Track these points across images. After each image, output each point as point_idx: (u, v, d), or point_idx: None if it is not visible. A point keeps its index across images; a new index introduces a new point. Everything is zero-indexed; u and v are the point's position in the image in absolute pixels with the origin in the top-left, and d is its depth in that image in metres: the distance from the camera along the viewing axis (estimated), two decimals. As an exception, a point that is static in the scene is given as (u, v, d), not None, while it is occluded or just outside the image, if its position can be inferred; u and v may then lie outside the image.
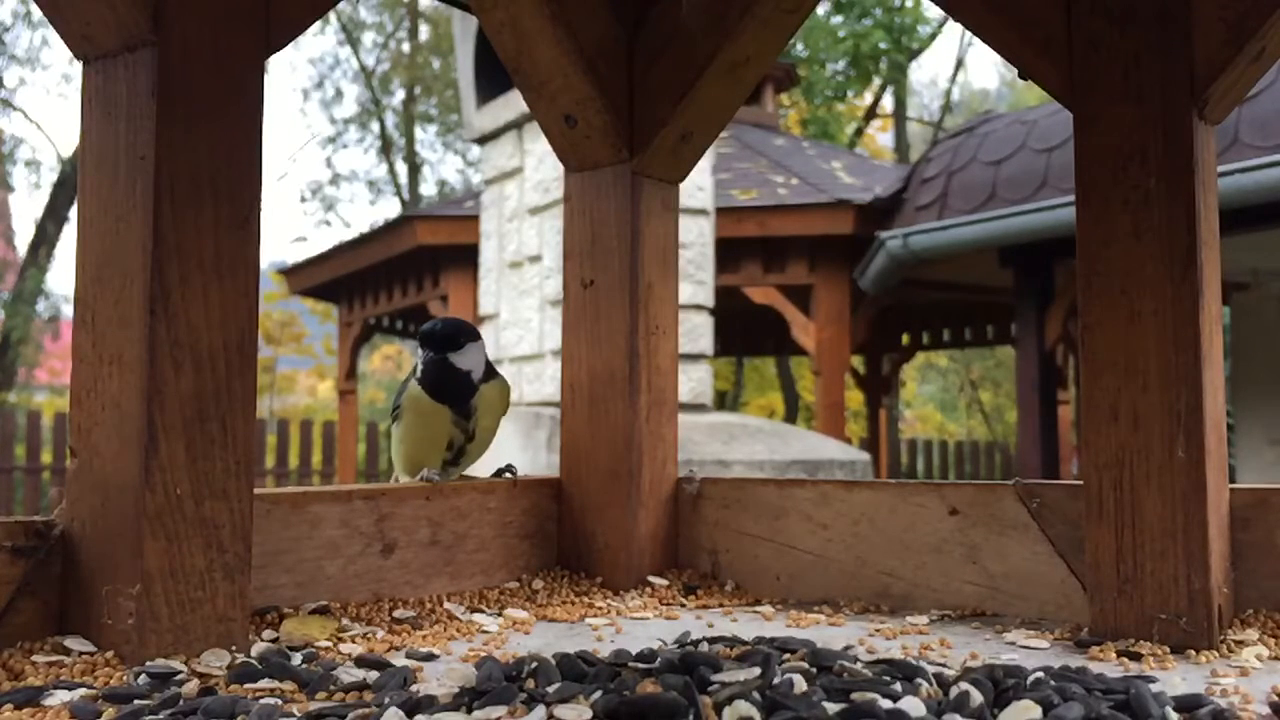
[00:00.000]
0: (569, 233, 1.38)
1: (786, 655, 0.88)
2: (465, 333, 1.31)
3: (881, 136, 17.73)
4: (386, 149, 17.63)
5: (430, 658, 0.95)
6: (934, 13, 14.31)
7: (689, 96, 1.28)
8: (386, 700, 0.74)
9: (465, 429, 1.31)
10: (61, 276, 22.30)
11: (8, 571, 0.89)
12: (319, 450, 9.67)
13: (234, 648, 0.91)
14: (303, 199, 25.86)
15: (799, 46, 13.34)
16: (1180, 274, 1.00)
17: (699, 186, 5.19)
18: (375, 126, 17.61)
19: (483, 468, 1.37)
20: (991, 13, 1.11)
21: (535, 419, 4.64)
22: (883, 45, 13.83)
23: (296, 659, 0.90)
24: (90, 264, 0.92)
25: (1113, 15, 1.05)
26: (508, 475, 1.33)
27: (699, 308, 5.25)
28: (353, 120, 18.10)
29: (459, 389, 1.30)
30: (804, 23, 1.31)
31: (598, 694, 0.75)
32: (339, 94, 19.45)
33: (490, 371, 1.34)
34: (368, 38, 17.51)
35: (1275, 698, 0.80)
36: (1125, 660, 0.94)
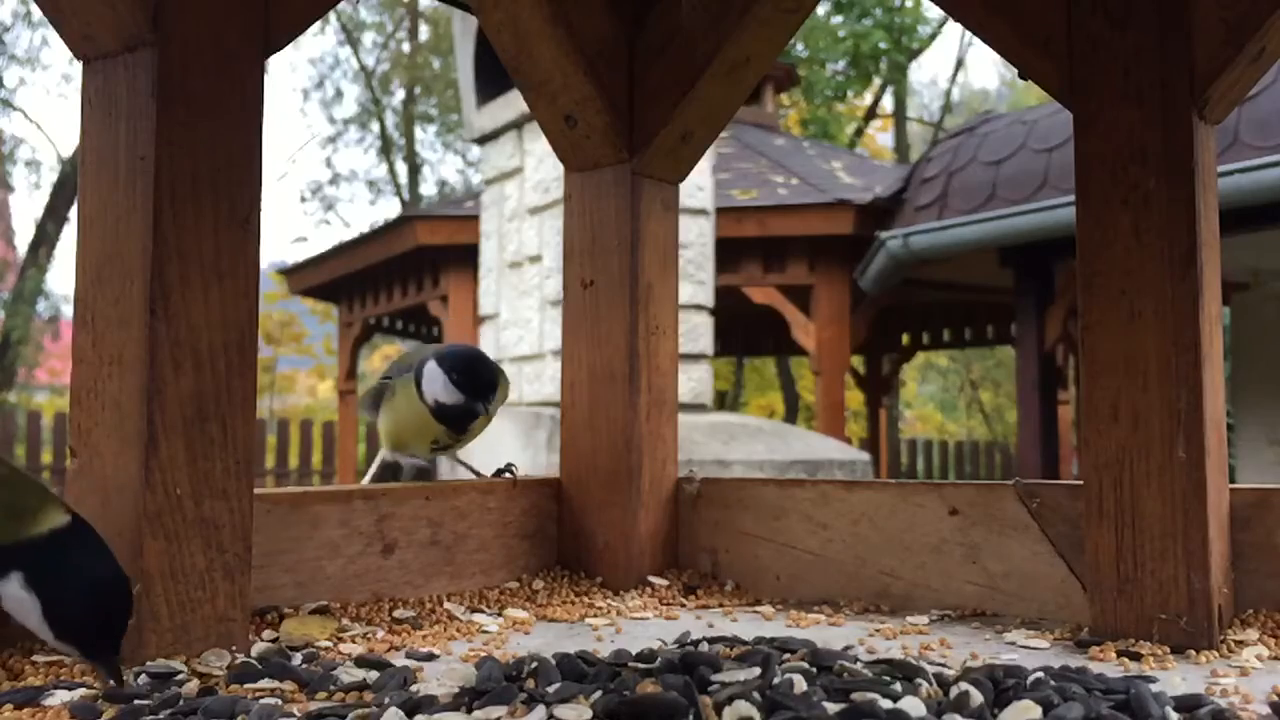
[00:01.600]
0: (569, 233, 1.38)
1: (786, 655, 0.88)
2: (500, 379, 1.26)
3: (881, 136, 17.73)
4: (386, 149, 17.63)
5: (430, 658, 0.95)
6: (934, 13, 14.31)
7: (689, 96, 1.28)
8: (386, 700, 0.74)
9: (455, 438, 1.29)
10: (61, 276, 22.29)
11: (8, 571, 0.89)
12: (319, 450, 9.67)
13: (234, 648, 0.91)
14: (303, 199, 25.87)
15: (799, 46, 13.34)
16: (1180, 274, 1.00)
17: (699, 186, 5.19)
18: (375, 126, 17.62)
19: (483, 467, 1.37)
20: (991, 13, 1.11)
21: (535, 419, 4.64)
22: (883, 45, 13.82)
23: (296, 659, 0.90)
24: (90, 264, 0.92)
25: (1113, 15, 1.05)
26: (508, 475, 1.33)
27: (699, 308, 5.25)
28: (353, 120, 18.11)
29: (466, 419, 1.26)
30: (804, 23, 1.30)
31: (598, 694, 0.75)
32: (339, 94, 19.47)
33: None
34: (368, 38, 17.52)
35: (1275, 698, 0.80)
36: (1125, 660, 0.94)
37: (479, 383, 1.22)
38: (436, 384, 1.23)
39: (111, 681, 0.78)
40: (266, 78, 0.97)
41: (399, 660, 0.91)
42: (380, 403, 1.32)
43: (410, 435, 1.30)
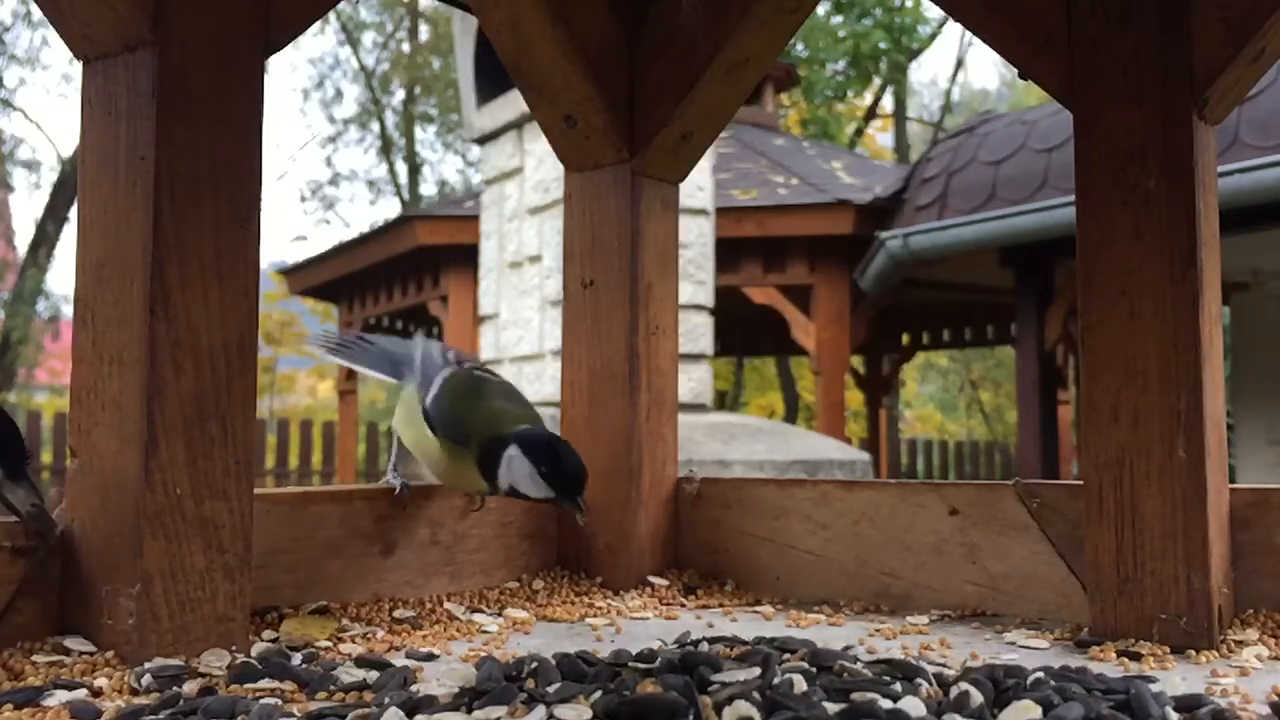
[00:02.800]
0: (569, 233, 1.38)
1: (786, 655, 0.88)
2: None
3: (881, 136, 17.73)
4: (386, 149, 17.63)
5: (430, 658, 0.95)
6: (934, 13, 14.31)
7: (689, 97, 1.28)
8: (386, 700, 0.74)
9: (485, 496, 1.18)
10: (61, 276, 22.29)
11: (8, 571, 0.89)
12: (319, 450, 9.66)
13: (234, 648, 0.91)
14: (303, 199, 25.89)
15: (799, 46, 13.35)
16: (1180, 274, 1.00)
17: (699, 186, 5.19)
18: (375, 126, 17.62)
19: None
20: (991, 13, 1.11)
21: (535, 419, 4.63)
22: (883, 45, 13.83)
23: (296, 659, 0.90)
24: (90, 264, 0.92)
25: (1112, 15, 1.05)
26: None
27: (699, 308, 5.25)
28: (353, 120, 18.11)
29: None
30: (804, 23, 1.30)
31: (598, 694, 0.75)
32: (339, 94, 19.46)
33: None
34: (368, 38, 17.52)
35: (1275, 698, 0.80)
36: (1125, 660, 0.94)
37: (569, 480, 1.08)
38: (520, 473, 1.08)
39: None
40: (266, 78, 0.97)
41: (399, 660, 0.91)
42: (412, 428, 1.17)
43: (450, 482, 1.18)
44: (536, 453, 1.07)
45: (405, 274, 8.13)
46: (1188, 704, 0.75)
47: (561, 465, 1.07)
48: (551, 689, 0.77)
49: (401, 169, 17.82)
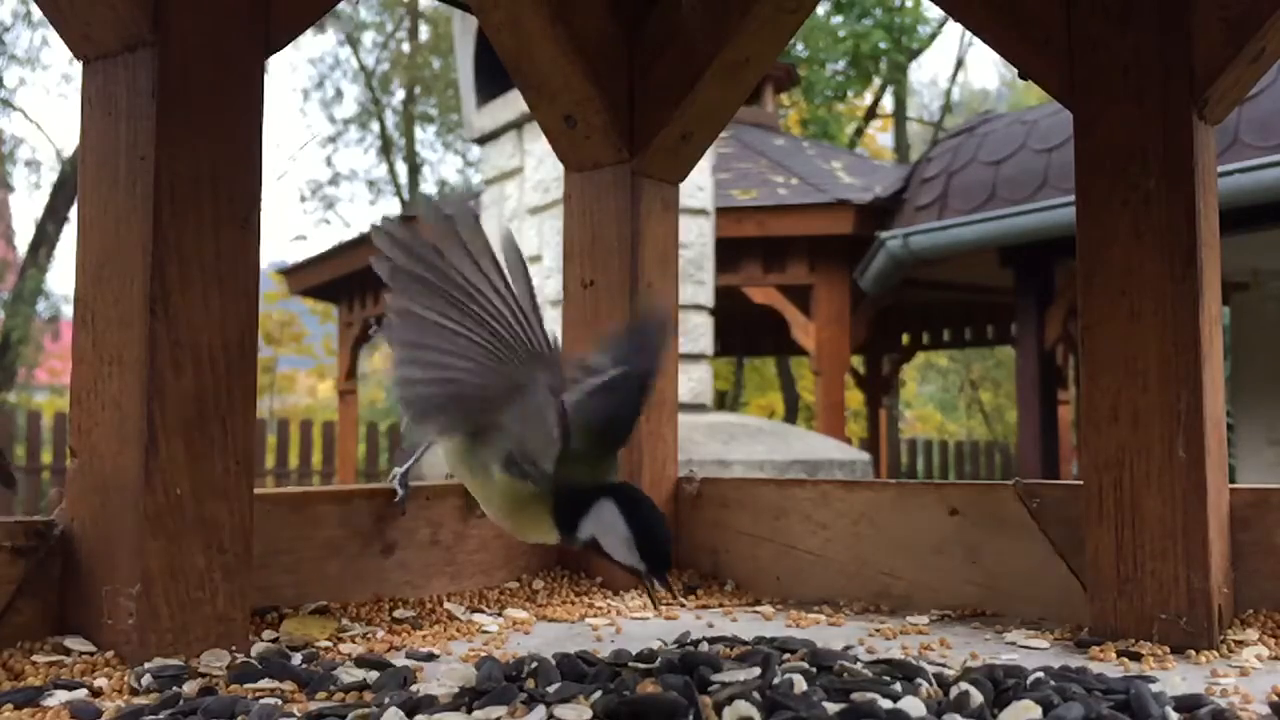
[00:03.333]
0: (569, 233, 1.38)
1: (786, 655, 0.88)
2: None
3: (881, 136, 17.72)
4: (386, 149, 17.63)
5: (430, 658, 0.95)
6: (934, 13, 14.31)
7: (689, 97, 1.28)
8: (386, 700, 0.74)
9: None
10: (61, 276, 22.25)
11: (8, 571, 0.89)
12: (319, 450, 9.66)
13: (234, 648, 0.91)
14: (303, 199, 25.90)
15: (799, 46, 13.34)
16: (1180, 274, 1.00)
17: (699, 186, 5.19)
18: (375, 126, 17.62)
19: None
20: (991, 13, 1.11)
21: (535, 419, 4.63)
22: (883, 45, 13.83)
23: (296, 659, 0.90)
24: (90, 264, 0.92)
25: (1112, 15, 1.05)
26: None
27: (699, 308, 5.24)
28: (353, 120, 18.10)
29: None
30: (804, 23, 1.30)
31: (598, 694, 0.75)
32: (339, 94, 19.45)
33: None
34: (368, 38, 17.51)
35: (1275, 698, 0.80)
36: (1125, 660, 0.94)
37: (664, 557, 0.90)
38: (611, 532, 0.88)
39: None
40: (266, 78, 0.97)
41: (399, 660, 0.91)
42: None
43: (502, 519, 0.95)
44: (634, 516, 0.89)
45: (405, 274, 8.11)
46: (1188, 704, 0.75)
47: (657, 536, 0.89)
48: (551, 689, 0.77)
49: (401, 169, 17.80)
